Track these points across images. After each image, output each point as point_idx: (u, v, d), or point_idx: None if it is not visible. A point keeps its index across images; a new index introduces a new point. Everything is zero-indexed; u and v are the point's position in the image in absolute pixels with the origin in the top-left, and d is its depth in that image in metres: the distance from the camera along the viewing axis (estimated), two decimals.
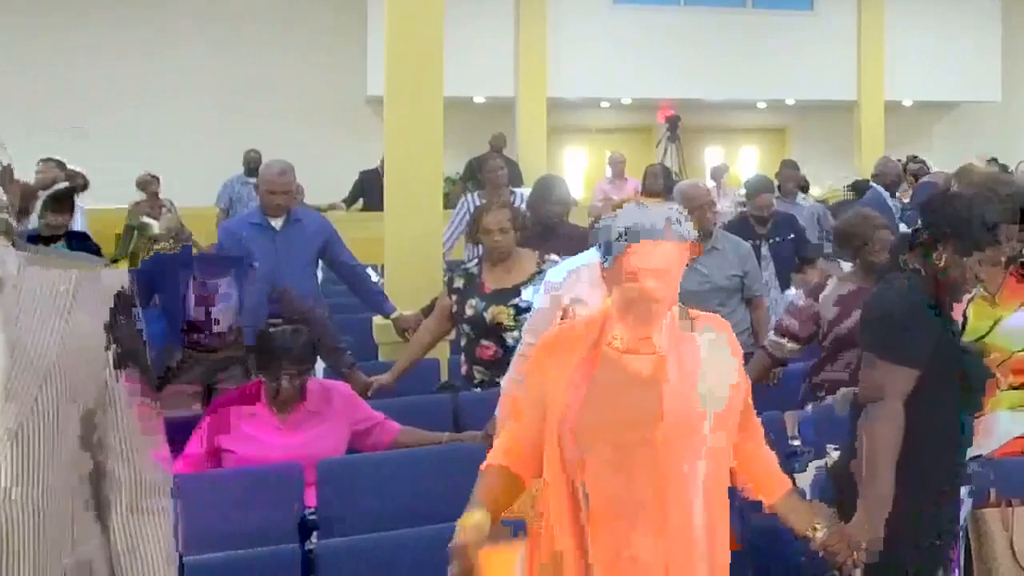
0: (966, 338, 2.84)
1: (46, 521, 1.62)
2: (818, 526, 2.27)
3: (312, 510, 3.32)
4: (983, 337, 2.91)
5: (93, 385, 1.68)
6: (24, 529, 1.59)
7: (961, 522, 2.51)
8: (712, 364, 2.14)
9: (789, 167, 7.62)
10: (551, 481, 2.09)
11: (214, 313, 4.13)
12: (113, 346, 1.70)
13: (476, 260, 4.18)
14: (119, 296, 1.75)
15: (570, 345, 2.17)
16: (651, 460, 2.05)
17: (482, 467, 2.16)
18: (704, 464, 2.07)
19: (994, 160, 9.77)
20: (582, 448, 2.06)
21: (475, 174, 6.76)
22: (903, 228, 5.22)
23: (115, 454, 1.72)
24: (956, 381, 2.43)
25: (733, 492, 2.31)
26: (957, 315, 2.70)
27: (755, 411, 2.31)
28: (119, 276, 1.78)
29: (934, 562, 2.43)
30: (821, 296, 3.91)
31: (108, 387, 1.70)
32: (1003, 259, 2.97)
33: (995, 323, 2.92)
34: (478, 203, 6.17)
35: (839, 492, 2.39)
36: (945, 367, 2.41)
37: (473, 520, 2.06)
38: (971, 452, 2.85)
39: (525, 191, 6.02)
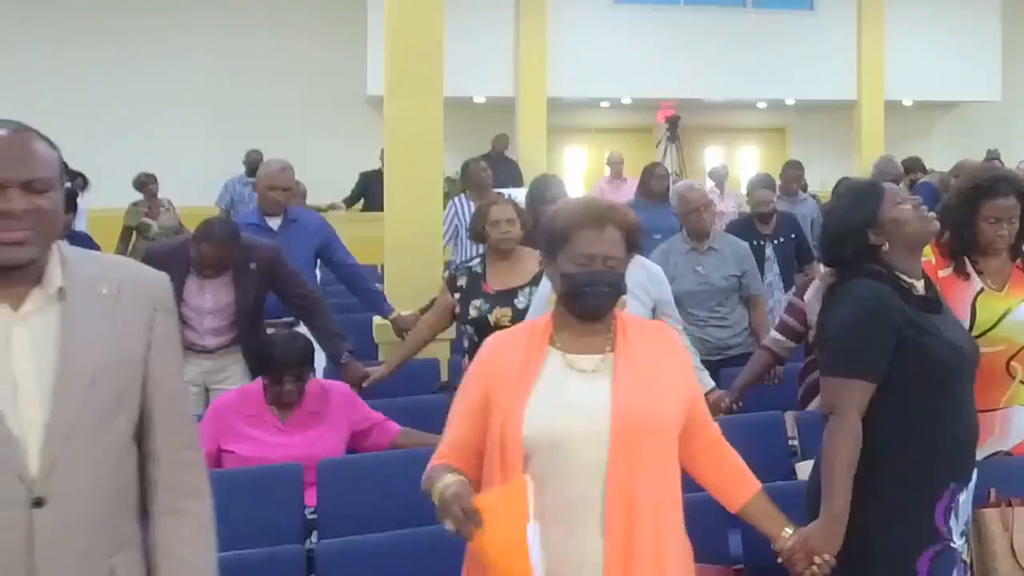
0: (974, 332, 2.83)
1: (90, 524, 1.62)
2: (787, 531, 2.26)
3: (312, 510, 3.33)
4: (990, 330, 2.88)
5: (136, 387, 1.69)
6: (68, 531, 1.60)
7: (964, 525, 2.49)
8: (660, 368, 2.14)
9: (793, 167, 7.63)
10: (490, 485, 2.06)
11: (208, 312, 4.16)
12: (153, 347, 1.71)
13: (479, 258, 4.17)
14: (159, 298, 1.75)
15: (513, 348, 2.16)
16: (596, 460, 2.03)
17: (429, 467, 2.11)
18: (651, 464, 2.06)
19: (995, 154, 9.77)
20: (527, 450, 2.04)
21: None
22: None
23: (152, 456, 1.73)
24: (924, 376, 2.37)
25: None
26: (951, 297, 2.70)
27: (710, 415, 2.31)
28: (159, 277, 1.78)
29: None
30: (806, 296, 3.90)
31: (147, 389, 1.71)
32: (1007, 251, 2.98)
33: (1002, 316, 2.90)
34: (466, 204, 6.21)
35: (817, 503, 2.37)
36: (912, 366, 2.36)
37: (450, 478, 2.00)
38: (990, 449, 2.85)
39: (515, 192, 6.04)
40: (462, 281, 4.06)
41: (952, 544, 2.41)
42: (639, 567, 2.02)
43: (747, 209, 6.57)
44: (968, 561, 2.59)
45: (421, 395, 4.35)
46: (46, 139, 1.67)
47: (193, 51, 11.25)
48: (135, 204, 8.21)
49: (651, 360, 2.14)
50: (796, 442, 3.91)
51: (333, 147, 10.92)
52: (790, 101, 12.85)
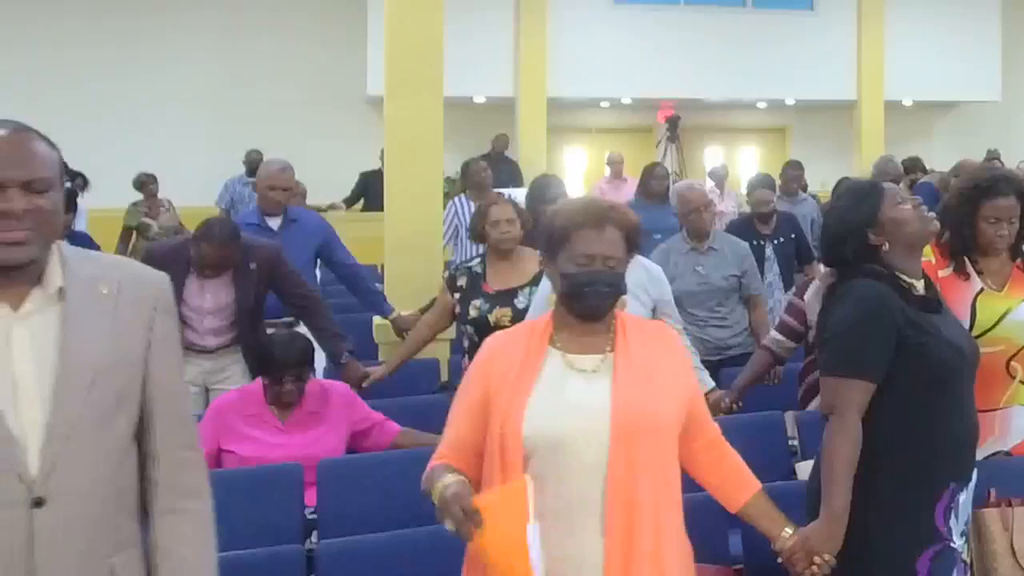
0: (974, 332, 2.83)
1: (90, 523, 1.62)
2: (787, 531, 2.25)
3: (312, 510, 3.33)
4: (990, 330, 2.88)
5: (136, 387, 1.69)
6: (68, 531, 1.60)
7: (964, 525, 2.49)
8: (659, 368, 2.14)
9: (793, 167, 7.63)
10: (490, 485, 2.06)
11: (209, 312, 4.16)
12: (153, 348, 1.71)
13: (479, 258, 4.18)
14: (159, 298, 1.75)
15: (513, 348, 2.16)
16: (596, 460, 2.03)
17: (429, 467, 2.11)
18: (651, 464, 2.06)
19: (995, 154, 9.78)
20: (527, 450, 2.04)
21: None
22: None
23: (152, 456, 1.73)
24: (925, 376, 2.37)
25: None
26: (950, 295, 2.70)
27: (710, 415, 2.32)
28: (159, 278, 1.78)
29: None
30: (806, 296, 3.90)
31: (147, 389, 1.71)
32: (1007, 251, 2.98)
33: (1002, 316, 2.90)
34: (466, 204, 6.22)
35: (817, 503, 2.36)
36: (912, 366, 2.36)
37: (450, 478, 2.00)
38: (989, 449, 2.85)
39: (515, 192, 6.04)
40: (462, 281, 4.06)
41: (952, 544, 2.41)
42: (639, 567, 2.02)
43: (747, 209, 6.57)
44: (968, 561, 2.59)
45: (421, 395, 4.35)
46: (46, 139, 1.67)
47: (193, 51, 11.25)
48: (135, 204, 8.21)
49: (651, 360, 2.14)
50: (796, 442, 3.91)
51: (333, 147, 10.92)
52: (790, 101, 12.86)
